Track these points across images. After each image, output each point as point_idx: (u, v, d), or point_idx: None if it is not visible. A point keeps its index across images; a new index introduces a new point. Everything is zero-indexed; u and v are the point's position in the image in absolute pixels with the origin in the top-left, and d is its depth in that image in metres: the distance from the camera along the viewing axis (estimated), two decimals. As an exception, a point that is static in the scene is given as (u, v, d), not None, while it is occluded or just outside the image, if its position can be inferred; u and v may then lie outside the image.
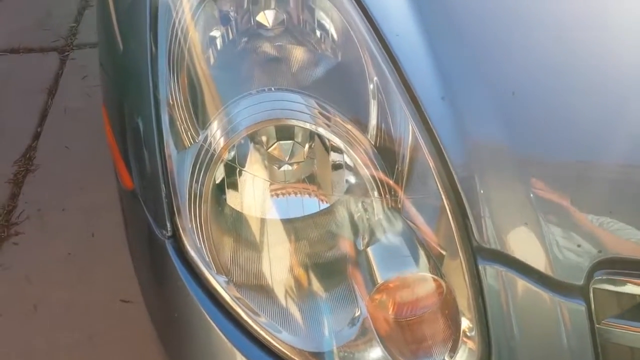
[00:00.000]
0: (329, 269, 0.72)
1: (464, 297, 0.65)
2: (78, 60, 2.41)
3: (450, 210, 0.64)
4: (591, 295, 0.61)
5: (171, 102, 0.73)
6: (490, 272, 0.64)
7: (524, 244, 0.62)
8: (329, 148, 0.70)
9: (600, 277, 0.61)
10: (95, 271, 1.69)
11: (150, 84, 0.74)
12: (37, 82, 2.31)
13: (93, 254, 1.74)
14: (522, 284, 0.63)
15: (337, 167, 0.72)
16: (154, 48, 0.74)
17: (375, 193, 0.69)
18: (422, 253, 0.67)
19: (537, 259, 0.62)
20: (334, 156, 0.71)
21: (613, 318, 0.61)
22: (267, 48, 0.74)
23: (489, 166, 0.63)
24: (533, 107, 0.64)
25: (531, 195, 0.61)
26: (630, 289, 0.61)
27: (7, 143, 2.07)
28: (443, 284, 0.67)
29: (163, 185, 0.73)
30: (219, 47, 0.74)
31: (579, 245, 0.61)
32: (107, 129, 0.88)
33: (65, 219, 1.84)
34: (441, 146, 0.64)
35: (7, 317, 1.62)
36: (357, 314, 0.69)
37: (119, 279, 1.66)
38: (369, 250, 0.69)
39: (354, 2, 0.69)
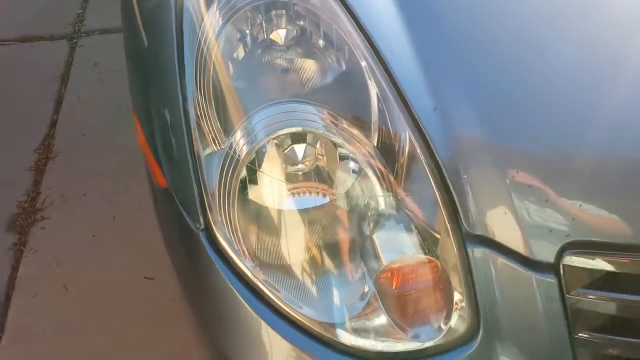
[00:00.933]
0: (341, 251, 0.84)
1: (455, 275, 0.77)
2: (87, 47, 2.49)
3: (441, 202, 0.76)
4: (561, 271, 0.73)
5: (199, 113, 0.84)
6: (477, 253, 0.76)
7: (504, 229, 0.74)
8: (337, 149, 0.82)
9: (568, 256, 0.72)
10: (119, 251, 1.81)
11: (180, 97, 0.84)
12: (49, 70, 2.39)
13: (116, 235, 1.85)
14: (503, 263, 0.75)
15: (344, 164, 0.83)
16: (181, 64, 0.84)
17: (378, 187, 0.80)
18: (419, 238, 0.79)
19: (515, 242, 0.74)
20: (342, 155, 0.82)
21: (580, 289, 0.73)
22: (281, 62, 0.84)
23: (472, 163, 0.74)
24: (509, 106, 0.75)
25: (509, 186, 0.73)
26: (593, 264, 0.73)
27: (25, 131, 2.17)
28: (438, 263, 0.78)
29: (195, 185, 0.84)
30: (239, 62, 0.84)
31: (550, 230, 0.72)
32: (139, 134, 0.99)
33: (87, 203, 1.95)
34: (432, 148, 0.75)
35: (40, 297, 1.75)
36: (365, 290, 0.81)
37: (141, 257, 1.79)
38: (374, 236, 0.81)
39: (353, 23, 0.79)
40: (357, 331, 0.81)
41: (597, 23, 0.80)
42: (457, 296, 0.78)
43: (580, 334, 0.75)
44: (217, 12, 0.83)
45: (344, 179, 0.83)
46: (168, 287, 1.70)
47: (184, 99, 0.83)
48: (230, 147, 0.81)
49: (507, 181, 0.73)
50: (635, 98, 0.72)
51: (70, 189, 1.98)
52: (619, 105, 0.73)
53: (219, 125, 0.83)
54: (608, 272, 0.73)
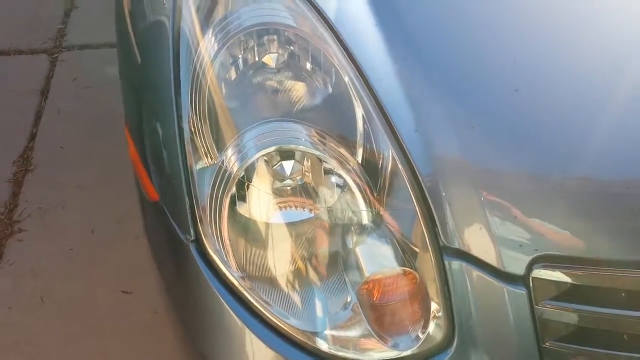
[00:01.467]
0: (325, 264, 0.88)
1: (433, 286, 0.82)
2: (67, 62, 2.51)
3: (421, 217, 0.81)
4: (531, 283, 0.79)
5: (193, 130, 0.88)
6: (454, 266, 0.81)
7: (479, 243, 0.79)
8: (323, 166, 0.86)
9: (537, 269, 0.78)
10: (97, 265, 1.82)
11: (175, 114, 0.89)
12: (30, 84, 2.40)
13: (94, 249, 1.86)
14: (478, 275, 0.80)
15: (330, 181, 0.88)
16: (177, 84, 0.89)
17: (362, 203, 0.85)
18: (399, 251, 0.84)
19: (489, 255, 0.79)
20: (328, 173, 0.87)
21: (548, 301, 0.79)
22: (272, 83, 0.89)
23: (451, 182, 0.80)
24: (488, 136, 0.81)
25: (483, 203, 0.79)
26: (560, 277, 0.79)
27: (4, 144, 2.17)
28: (417, 276, 0.83)
29: (187, 198, 0.88)
30: (232, 84, 0.89)
31: (521, 245, 0.78)
32: (131, 147, 1.02)
33: (66, 216, 1.96)
34: (414, 167, 0.81)
35: (16, 309, 1.75)
36: (348, 300, 0.86)
37: (119, 272, 1.80)
38: (357, 249, 0.86)
39: (341, 49, 0.85)
40: (339, 340, 0.85)
41: (574, 52, 0.86)
42: (434, 307, 0.83)
43: (547, 344, 0.80)
44: (213, 38, 0.88)
45: (330, 195, 0.88)
46: (145, 301, 1.74)
47: (179, 116, 0.88)
48: (223, 162, 0.85)
49: (482, 199, 0.79)
50: (597, 124, 0.79)
51: (49, 202, 1.99)
52: (583, 131, 0.79)
53: (212, 142, 0.88)
54: (574, 285, 0.79)
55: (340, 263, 0.88)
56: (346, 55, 0.84)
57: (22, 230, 1.93)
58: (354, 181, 0.85)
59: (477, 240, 0.79)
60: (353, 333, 0.85)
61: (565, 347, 0.80)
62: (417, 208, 0.81)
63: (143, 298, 1.75)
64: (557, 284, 0.79)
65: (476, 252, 0.80)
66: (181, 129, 0.88)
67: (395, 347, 0.84)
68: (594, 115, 0.80)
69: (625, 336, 0.80)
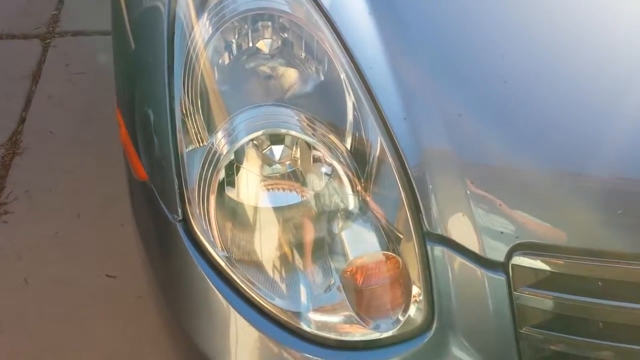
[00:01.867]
0: (310, 248, 0.90)
1: (415, 271, 0.84)
2: (60, 47, 2.50)
3: (406, 203, 0.83)
4: (510, 269, 0.81)
5: (184, 111, 0.89)
6: (436, 251, 0.83)
7: (461, 230, 0.82)
8: (312, 152, 0.88)
9: (517, 256, 0.80)
10: (82, 249, 1.83)
11: (167, 97, 0.90)
12: (21, 69, 2.39)
13: (79, 233, 1.86)
14: (459, 261, 0.82)
15: (317, 166, 0.89)
16: (170, 67, 0.90)
17: (349, 189, 0.87)
18: (384, 236, 0.86)
19: (470, 242, 0.81)
20: (316, 157, 0.89)
21: (525, 287, 0.81)
22: (264, 68, 0.91)
23: (436, 170, 0.82)
24: (474, 125, 0.83)
25: (467, 192, 0.81)
26: (539, 265, 0.81)
27: (-7, 127, 2.18)
28: (399, 260, 0.85)
29: (176, 178, 0.90)
30: (225, 68, 0.90)
31: (502, 232, 0.80)
32: (122, 128, 1.03)
33: (52, 200, 1.96)
34: (401, 154, 0.83)
35: (-1, 290, 1.76)
36: (331, 283, 0.88)
37: (104, 256, 1.81)
38: (343, 233, 0.88)
39: (335, 36, 0.87)
40: (321, 321, 0.87)
41: (564, 46, 0.88)
42: (415, 290, 0.85)
43: (524, 329, 0.83)
44: (207, 21, 0.90)
45: (317, 180, 0.89)
46: (129, 285, 1.74)
47: (171, 98, 0.89)
48: (212, 144, 0.87)
49: (466, 188, 0.81)
50: (583, 117, 0.81)
51: (36, 185, 1.99)
52: (569, 124, 0.82)
53: (203, 124, 0.89)
54: (552, 273, 0.81)
55: (326, 247, 0.89)
56: (339, 42, 0.86)
57: (8, 212, 1.93)
58: (342, 167, 0.87)
59: (460, 227, 0.81)
60: (335, 314, 0.87)
61: (541, 333, 0.83)
62: (402, 195, 0.83)
63: (127, 282, 1.76)
64: (536, 271, 0.81)
65: (458, 238, 0.82)
66: (172, 111, 0.89)
67: (375, 328, 0.86)
68: (580, 108, 0.82)
69: (600, 324, 0.83)
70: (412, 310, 0.85)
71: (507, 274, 0.81)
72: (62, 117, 2.21)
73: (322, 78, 0.88)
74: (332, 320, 0.87)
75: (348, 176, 0.87)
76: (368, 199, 0.87)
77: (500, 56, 0.87)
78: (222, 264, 0.88)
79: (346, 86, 0.85)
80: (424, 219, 0.83)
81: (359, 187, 0.87)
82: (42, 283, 1.76)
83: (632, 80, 0.82)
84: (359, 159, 0.87)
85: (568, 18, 0.89)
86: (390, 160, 0.83)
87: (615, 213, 0.78)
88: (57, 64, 2.42)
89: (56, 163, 2.06)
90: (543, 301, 0.82)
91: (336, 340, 0.86)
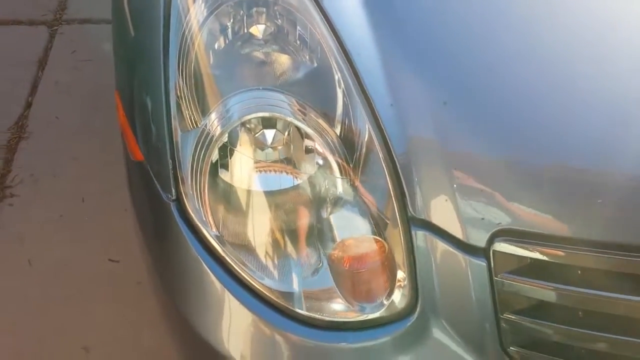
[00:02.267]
0: (300, 231, 0.92)
1: (400, 255, 0.86)
2: (67, 34, 2.54)
3: (392, 189, 0.85)
4: (491, 255, 0.83)
5: (179, 93, 0.91)
6: (420, 236, 0.85)
7: (444, 215, 0.83)
8: (303, 136, 0.90)
9: (498, 242, 0.82)
10: (85, 233, 1.86)
11: (162, 79, 0.92)
12: (27, 54, 2.42)
13: (83, 217, 1.90)
14: (442, 246, 0.84)
15: (309, 151, 0.91)
16: (166, 50, 0.92)
17: (338, 174, 0.89)
18: (370, 221, 0.88)
19: (453, 227, 0.83)
20: (307, 143, 0.91)
21: (506, 273, 0.83)
22: (258, 54, 0.93)
23: (422, 157, 0.84)
24: (458, 114, 0.85)
25: (450, 179, 0.82)
26: (519, 251, 0.83)
27: (-1, 111, 2.21)
28: (385, 244, 0.87)
29: (170, 159, 0.92)
30: (219, 52, 0.93)
31: (482, 218, 0.82)
32: (120, 110, 1.06)
33: (57, 184, 1.99)
34: (388, 141, 0.85)
35: (3, 271, 1.78)
36: (319, 266, 0.90)
37: (107, 240, 1.84)
38: (331, 217, 0.90)
39: (326, 24, 0.89)
40: (310, 302, 0.89)
41: (549, 36, 0.89)
42: (400, 274, 0.87)
43: (504, 315, 0.84)
44: (202, 4, 0.92)
45: (308, 165, 0.91)
46: (131, 270, 1.77)
47: (166, 81, 0.91)
48: (206, 126, 0.89)
49: (450, 174, 0.83)
50: (565, 108, 0.83)
51: (41, 170, 2.02)
52: (552, 114, 0.83)
53: (197, 106, 0.91)
54: (532, 260, 0.83)
55: (315, 231, 0.92)
56: (330, 30, 0.88)
57: (13, 195, 1.96)
58: (332, 153, 0.89)
59: (443, 212, 0.83)
60: (323, 296, 0.89)
61: (521, 318, 0.84)
62: (388, 180, 0.85)
63: (129, 267, 1.79)
64: (516, 257, 0.83)
65: (441, 223, 0.84)
66: (167, 93, 0.91)
67: (361, 310, 0.88)
68: (563, 98, 0.84)
69: (580, 312, 0.84)
70: (397, 294, 0.87)
71: (488, 259, 0.83)
72: (68, 102, 2.24)
73: (315, 65, 0.90)
74: (319, 301, 0.89)
75: (337, 162, 0.89)
76: (357, 184, 0.89)
77: (487, 45, 0.88)
78: (215, 243, 0.91)
79: (336, 73, 0.87)
80: (409, 204, 0.85)
81: (348, 173, 0.88)
82: (46, 265, 1.79)
83: (616, 76, 0.84)
84: (348, 145, 0.89)
85: (549, 6, 0.90)
86: (378, 147, 0.85)
87: (595, 203, 0.80)
88: (64, 51, 2.45)
89: (61, 148, 2.09)
90: (523, 287, 0.83)
91: (325, 321, 0.88)
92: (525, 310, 0.85)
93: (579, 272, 0.83)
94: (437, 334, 0.87)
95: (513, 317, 0.85)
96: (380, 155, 0.85)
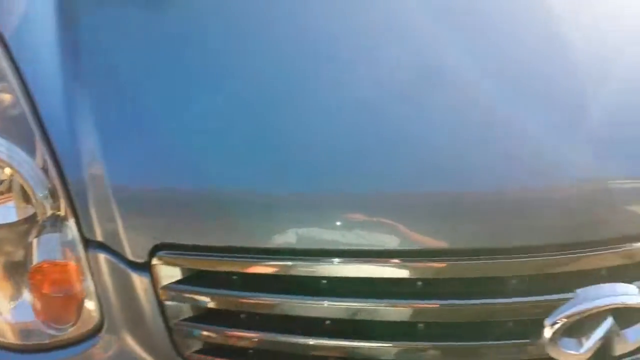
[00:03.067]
0: (7, 259, 0.99)
1: (83, 276, 0.94)
2: None
3: (70, 215, 0.93)
4: (151, 269, 0.91)
5: None
6: (99, 257, 0.93)
7: (113, 237, 0.91)
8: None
9: (157, 257, 0.91)
10: None
11: None
12: None
13: None
14: (114, 264, 0.92)
15: (6, 183, 0.99)
16: None
17: (35, 203, 0.97)
18: (63, 246, 0.95)
19: (121, 247, 0.91)
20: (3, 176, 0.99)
21: (168, 284, 0.91)
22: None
23: (93, 188, 0.92)
24: (125, 143, 0.94)
25: (116, 206, 0.91)
26: (179, 263, 0.91)
27: None
28: (76, 267, 0.95)
29: None
30: None
31: (141, 235, 0.90)
32: None
33: None
34: (62, 171, 0.94)
35: None
36: (22, 291, 0.97)
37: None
38: (33, 242, 0.97)
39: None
40: (14, 327, 0.96)
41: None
42: (85, 295, 0.94)
43: (173, 323, 0.92)
44: None
45: (9, 197, 0.99)
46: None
47: None
48: None
49: (115, 202, 0.91)
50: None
51: None
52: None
53: None
54: (193, 270, 0.91)
55: (22, 258, 0.99)
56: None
57: None
58: (28, 184, 0.97)
59: (112, 234, 0.92)
60: (21, 322, 0.96)
61: (190, 325, 0.92)
62: (66, 207, 0.93)
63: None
64: (175, 269, 0.91)
65: (110, 243, 0.92)
66: None
67: (52, 331, 0.95)
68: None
69: (242, 315, 0.92)
70: (85, 314, 0.94)
71: (150, 273, 0.91)
72: None
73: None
74: (17, 327, 0.96)
75: (32, 192, 0.97)
76: (53, 211, 0.97)
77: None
78: None
79: (19, 101, 0.97)
80: (84, 227, 0.93)
81: (40, 201, 0.96)
82: None
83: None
84: (45, 174, 0.97)
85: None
86: (56, 176, 0.94)
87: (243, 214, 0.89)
88: None
89: None
90: (183, 297, 0.91)
91: (19, 345, 0.95)
92: (195, 318, 0.93)
93: (234, 277, 0.91)
94: (125, 347, 0.95)
95: (183, 324, 0.93)
96: (57, 183, 0.93)
